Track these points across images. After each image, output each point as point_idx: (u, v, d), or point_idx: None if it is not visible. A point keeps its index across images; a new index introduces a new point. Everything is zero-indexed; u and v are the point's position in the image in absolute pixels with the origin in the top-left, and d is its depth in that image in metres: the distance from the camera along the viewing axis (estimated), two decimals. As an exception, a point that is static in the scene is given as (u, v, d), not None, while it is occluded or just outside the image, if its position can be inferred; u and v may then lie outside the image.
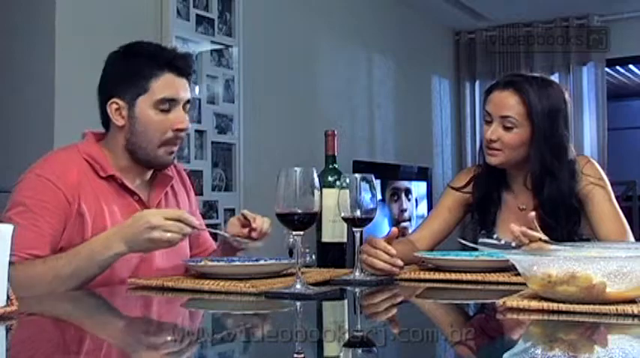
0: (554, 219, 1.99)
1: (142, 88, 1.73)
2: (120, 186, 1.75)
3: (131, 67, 1.75)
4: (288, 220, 1.40)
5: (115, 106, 1.74)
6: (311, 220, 1.41)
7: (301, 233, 1.41)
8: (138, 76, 1.73)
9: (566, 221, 2.00)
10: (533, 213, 1.77)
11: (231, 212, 3.34)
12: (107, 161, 1.75)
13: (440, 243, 2.17)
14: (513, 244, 2.03)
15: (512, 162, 2.04)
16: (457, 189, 2.16)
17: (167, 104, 1.73)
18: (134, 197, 1.77)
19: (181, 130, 1.76)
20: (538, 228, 1.73)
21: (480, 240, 2.13)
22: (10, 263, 1.53)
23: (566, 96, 2.06)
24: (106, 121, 1.79)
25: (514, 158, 2.02)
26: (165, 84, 1.73)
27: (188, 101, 1.79)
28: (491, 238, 2.10)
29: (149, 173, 1.83)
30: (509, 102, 1.99)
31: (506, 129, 1.99)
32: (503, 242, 2.05)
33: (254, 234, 1.75)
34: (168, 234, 1.54)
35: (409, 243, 2.11)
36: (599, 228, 1.98)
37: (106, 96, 1.76)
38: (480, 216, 2.14)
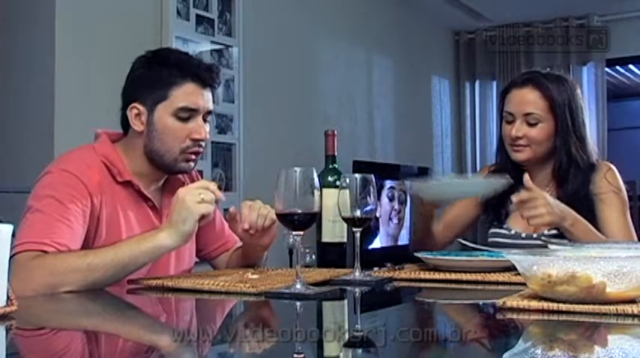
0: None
1: (163, 95, 1.71)
2: (135, 192, 1.74)
3: (155, 74, 1.73)
4: (288, 220, 1.40)
5: (135, 111, 1.73)
6: (311, 220, 1.41)
7: (301, 233, 1.41)
8: (160, 82, 1.72)
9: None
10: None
11: (231, 212, 3.33)
12: (124, 165, 1.73)
13: (459, 231, 2.20)
14: (523, 235, 2.05)
15: (538, 156, 2.06)
16: None
17: (187, 113, 1.72)
18: (148, 203, 1.76)
19: (199, 140, 1.74)
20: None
21: (491, 230, 2.15)
22: (44, 251, 1.53)
23: (578, 90, 2.10)
24: (125, 125, 1.78)
25: (541, 152, 2.05)
26: (187, 93, 1.72)
27: (209, 112, 1.77)
28: (502, 228, 2.12)
29: (163, 179, 1.81)
30: (530, 99, 2.03)
31: (531, 125, 2.02)
32: (513, 232, 2.08)
33: (252, 232, 1.73)
34: (202, 195, 1.56)
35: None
36: (607, 234, 1.97)
37: (127, 100, 1.75)
38: (494, 210, 2.15)
